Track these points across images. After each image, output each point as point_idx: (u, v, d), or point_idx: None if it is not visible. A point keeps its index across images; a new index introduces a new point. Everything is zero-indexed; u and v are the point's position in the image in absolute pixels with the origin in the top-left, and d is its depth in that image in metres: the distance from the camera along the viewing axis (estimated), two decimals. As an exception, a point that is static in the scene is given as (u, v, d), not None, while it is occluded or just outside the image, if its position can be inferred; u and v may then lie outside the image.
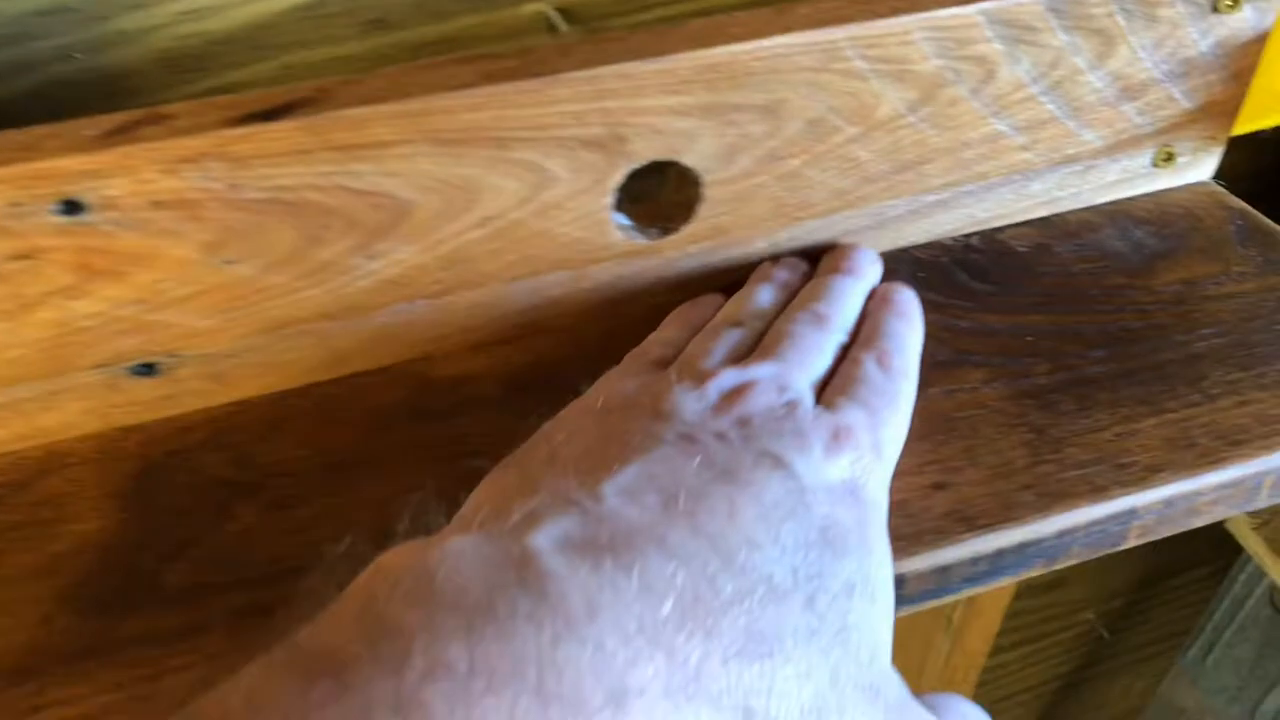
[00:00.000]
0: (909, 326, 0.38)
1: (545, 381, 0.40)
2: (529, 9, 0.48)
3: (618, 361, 0.38)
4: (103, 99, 0.45)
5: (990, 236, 0.46)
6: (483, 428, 0.38)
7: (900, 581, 0.32)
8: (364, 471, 0.36)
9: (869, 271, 0.41)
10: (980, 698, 1.10)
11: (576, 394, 0.35)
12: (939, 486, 0.35)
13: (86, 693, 0.29)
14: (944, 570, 0.33)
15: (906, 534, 0.33)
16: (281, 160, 0.34)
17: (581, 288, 0.41)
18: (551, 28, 0.49)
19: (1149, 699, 1.16)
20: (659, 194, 0.42)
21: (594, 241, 0.40)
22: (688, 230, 0.41)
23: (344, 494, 0.35)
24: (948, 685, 0.86)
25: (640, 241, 0.41)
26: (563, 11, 0.49)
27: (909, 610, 0.33)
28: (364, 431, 0.38)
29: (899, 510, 0.33)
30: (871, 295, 0.40)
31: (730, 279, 0.43)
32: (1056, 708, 1.24)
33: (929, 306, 0.41)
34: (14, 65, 0.43)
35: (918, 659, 0.82)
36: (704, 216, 0.41)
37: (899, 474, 0.34)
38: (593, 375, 0.37)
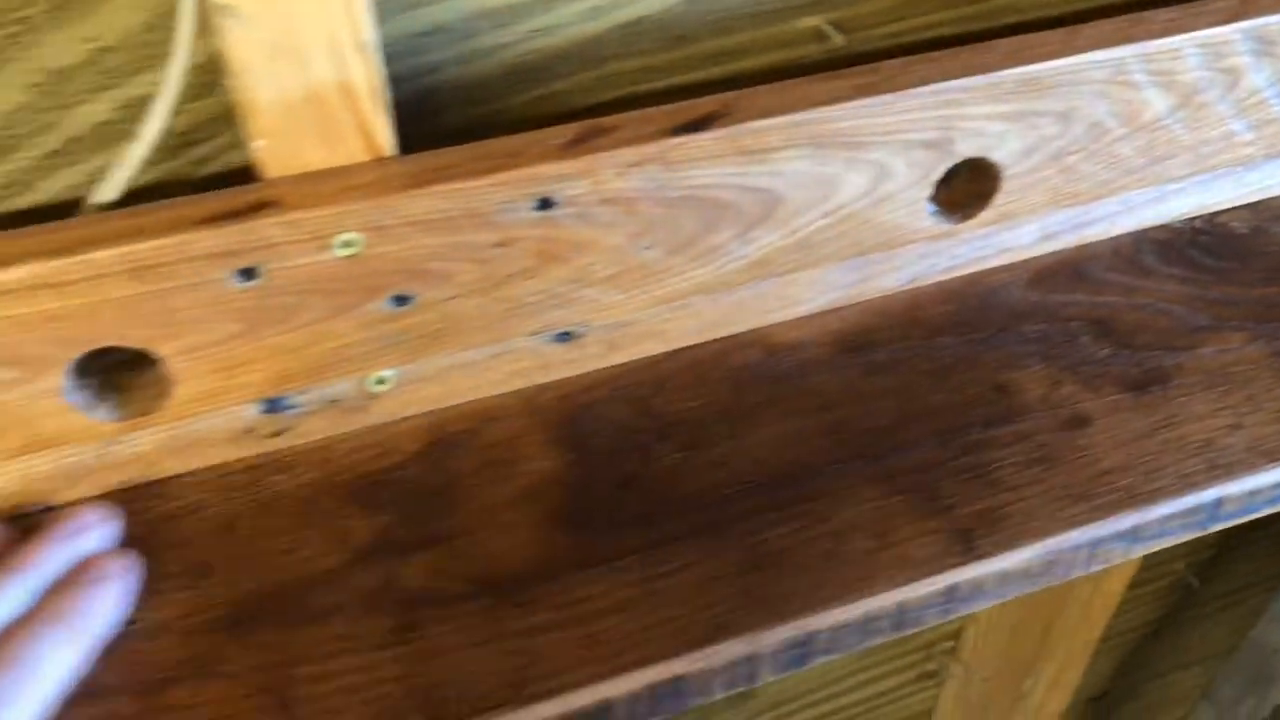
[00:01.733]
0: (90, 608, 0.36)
1: (867, 345, 0.47)
2: (804, 23, 0.56)
3: (921, 327, 0.46)
4: (458, 105, 0.52)
5: (1211, 219, 0.54)
6: (828, 382, 0.46)
7: (1218, 503, 0.40)
8: (746, 420, 0.44)
9: (80, 540, 0.38)
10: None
11: (898, 356, 0.43)
12: (1235, 427, 0.42)
13: (606, 590, 0.37)
14: (1253, 494, 0.41)
15: (1221, 464, 0.41)
16: (701, 163, 0.41)
17: (890, 266, 0.49)
18: (823, 37, 0.56)
19: (1239, 640, 1.24)
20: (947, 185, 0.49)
21: (909, 225, 0.47)
22: (982, 215, 0.49)
23: (741, 437, 0.43)
24: (1084, 622, 0.94)
25: (945, 226, 0.48)
26: (833, 24, 0.56)
27: (1219, 526, 0.41)
28: (732, 386, 0.46)
29: (1209, 448, 0.41)
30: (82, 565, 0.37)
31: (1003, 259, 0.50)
32: (1139, 652, 1.33)
33: (1174, 280, 0.49)
34: (392, 77, 0.51)
35: (1060, 594, 0.90)
36: (996, 204, 0.48)
37: (1199, 417, 0.42)
38: (903, 339, 0.45)
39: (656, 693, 0.35)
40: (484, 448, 0.43)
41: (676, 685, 0.35)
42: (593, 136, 0.40)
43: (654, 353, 0.47)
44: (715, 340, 0.48)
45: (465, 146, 0.40)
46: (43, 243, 0.35)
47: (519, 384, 0.45)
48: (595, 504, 0.40)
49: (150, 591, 0.38)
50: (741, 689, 0.36)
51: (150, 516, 0.40)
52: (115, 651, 0.36)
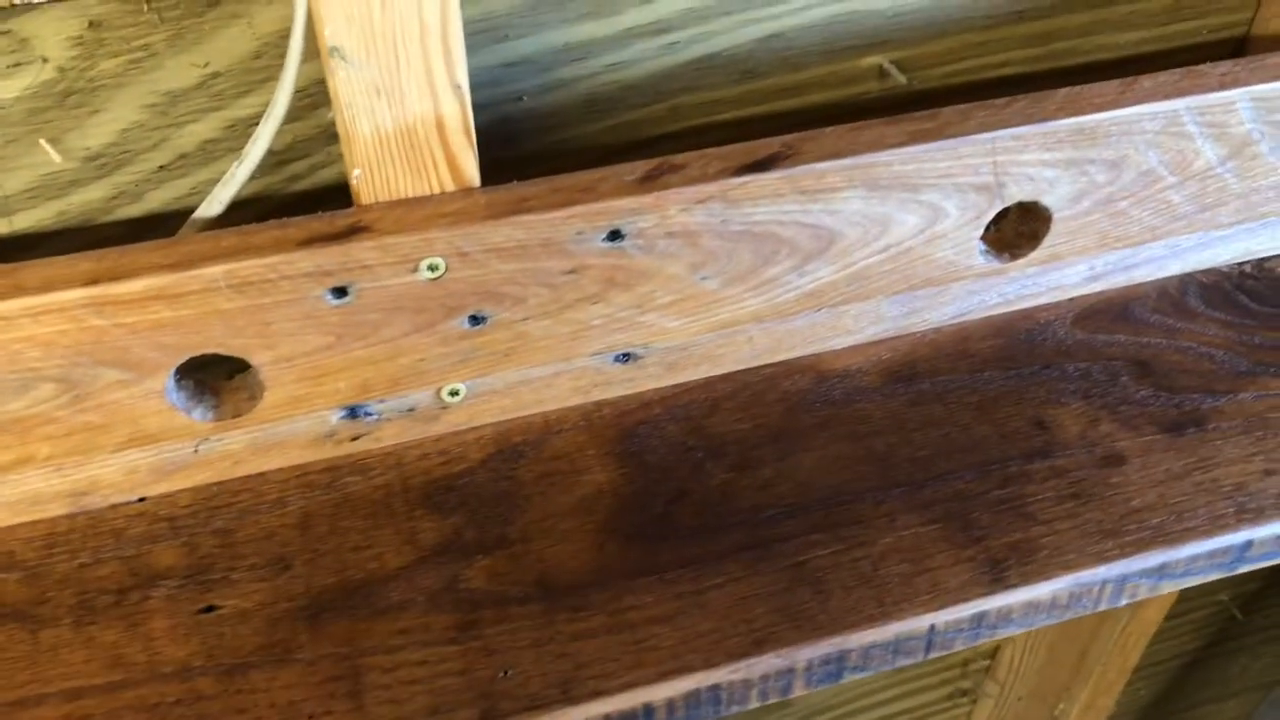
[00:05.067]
0: None
1: (914, 376, 0.49)
2: (867, 61, 0.58)
3: (967, 360, 0.48)
4: (535, 132, 0.55)
5: (1260, 265, 0.55)
6: (875, 410, 0.48)
7: (1247, 545, 0.42)
8: (795, 443, 0.46)
9: None
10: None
11: (944, 387, 0.45)
12: (1269, 472, 0.44)
13: (654, 600, 0.40)
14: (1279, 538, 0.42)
15: (1252, 509, 0.42)
16: (761, 201, 0.44)
17: (939, 301, 0.51)
18: (884, 75, 0.58)
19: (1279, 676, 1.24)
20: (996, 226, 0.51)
21: (960, 264, 0.49)
22: (1031, 255, 0.50)
23: (788, 460, 0.45)
24: (1119, 649, 0.95)
25: (994, 264, 0.50)
26: (896, 63, 0.58)
27: (1248, 568, 0.43)
28: (782, 410, 0.48)
29: (1241, 491, 0.43)
30: None
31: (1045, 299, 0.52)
32: (1176, 682, 1.32)
33: (1218, 324, 0.51)
34: (475, 104, 0.54)
35: (1096, 620, 0.91)
36: (1045, 245, 0.50)
37: (1233, 461, 0.44)
38: (949, 371, 0.47)
39: (696, 700, 0.38)
40: (546, 459, 0.45)
41: (715, 693, 0.38)
42: (662, 173, 0.43)
43: (709, 375, 0.49)
44: (768, 365, 0.50)
45: (543, 180, 0.42)
46: (160, 258, 0.38)
47: (579, 400, 0.48)
48: (648, 517, 0.43)
49: (233, 581, 0.41)
50: (776, 700, 0.39)
51: (236, 511, 0.43)
52: (199, 635, 0.39)
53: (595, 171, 0.43)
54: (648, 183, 0.42)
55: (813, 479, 0.45)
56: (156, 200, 0.48)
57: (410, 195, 0.41)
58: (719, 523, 0.43)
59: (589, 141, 0.53)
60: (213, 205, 0.44)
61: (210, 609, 0.40)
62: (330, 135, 0.47)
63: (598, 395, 0.48)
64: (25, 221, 0.46)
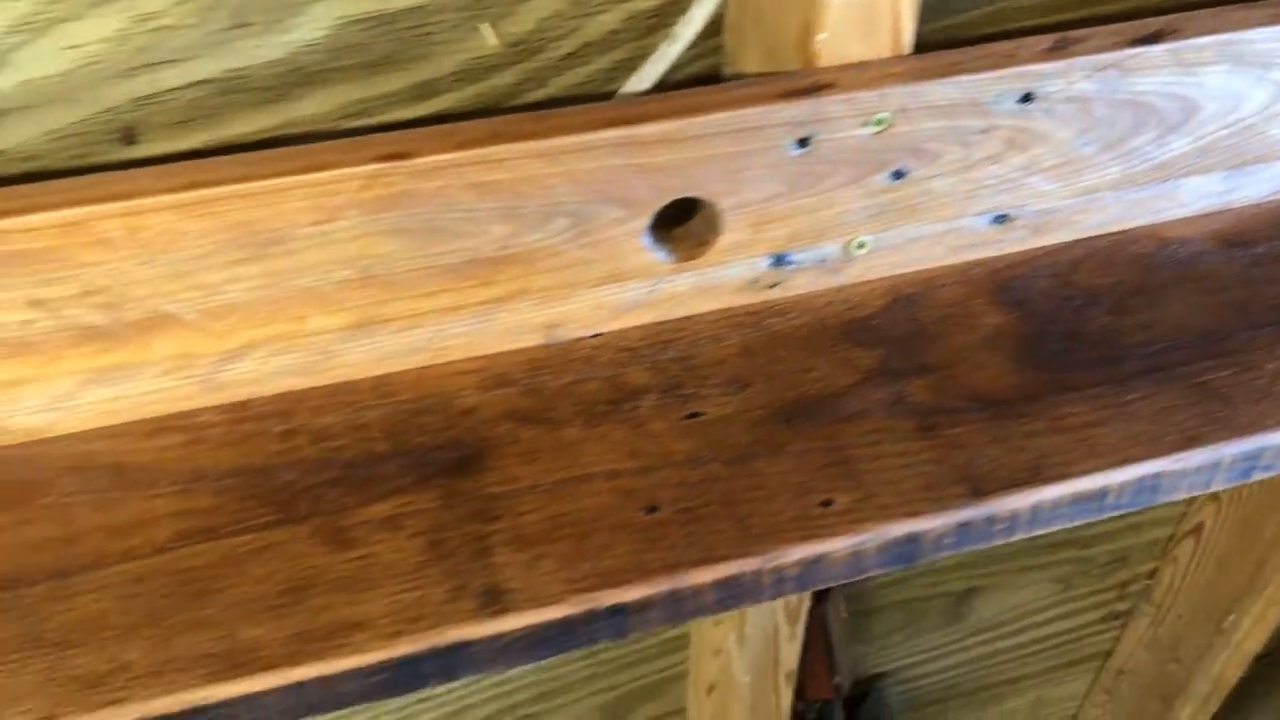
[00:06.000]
0: None
1: (1247, 242, 0.55)
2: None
3: None
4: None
5: None
6: (1221, 269, 0.53)
7: None
8: (1157, 295, 0.52)
9: None
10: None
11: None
12: None
13: (1086, 410, 0.46)
14: None
15: None
16: (1146, 72, 0.49)
17: (1262, 177, 0.56)
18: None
19: None
20: None
21: (1289, 141, 0.55)
22: None
23: (1157, 308, 0.51)
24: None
25: (1317, 143, 0.56)
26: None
27: None
28: (1138, 269, 0.53)
29: None
30: None
31: None
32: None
33: None
34: None
35: (1273, 529, 0.97)
36: None
37: None
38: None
39: (1140, 486, 0.44)
40: (939, 306, 0.51)
41: (1155, 481, 0.44)
42: (1069, 44, 0.49)
43: (1064, 240, 0.55)
44: (1113, 233, 0.56)
45: (969, 48, 0.48)
46: (664, 107, 0.45)
47: (954, 259, 0.53)
48: (1049, 351, 0.49)
49: (704, 396, 0.47)
50: (1197, 493, 0.45)
51: (683, 344, 0.49)
52: (694, 435, 0.45)
53: (1009, 42, 0.49)
54: (1057, 51, 0.48)
55: (1185, 322, 0.50)
56: (556, 87, 0.53)
57: (859, 59, 0.47)
58: (1115, 355, 0.49)
59: (978, 28, 0.57)
60: (642, 81, 0.50)
61: (695, 415, 0.46)
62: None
63: (970, 255, 0.54)
64: (444, 103, 0.52)
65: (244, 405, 0.46)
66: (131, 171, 0.42)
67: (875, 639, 1.13)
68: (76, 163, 0.47)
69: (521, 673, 0.98)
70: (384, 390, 0.47)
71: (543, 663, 0.98)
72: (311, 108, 0.52)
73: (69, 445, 0.45)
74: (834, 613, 0.95)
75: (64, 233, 0.40)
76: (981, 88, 0.47)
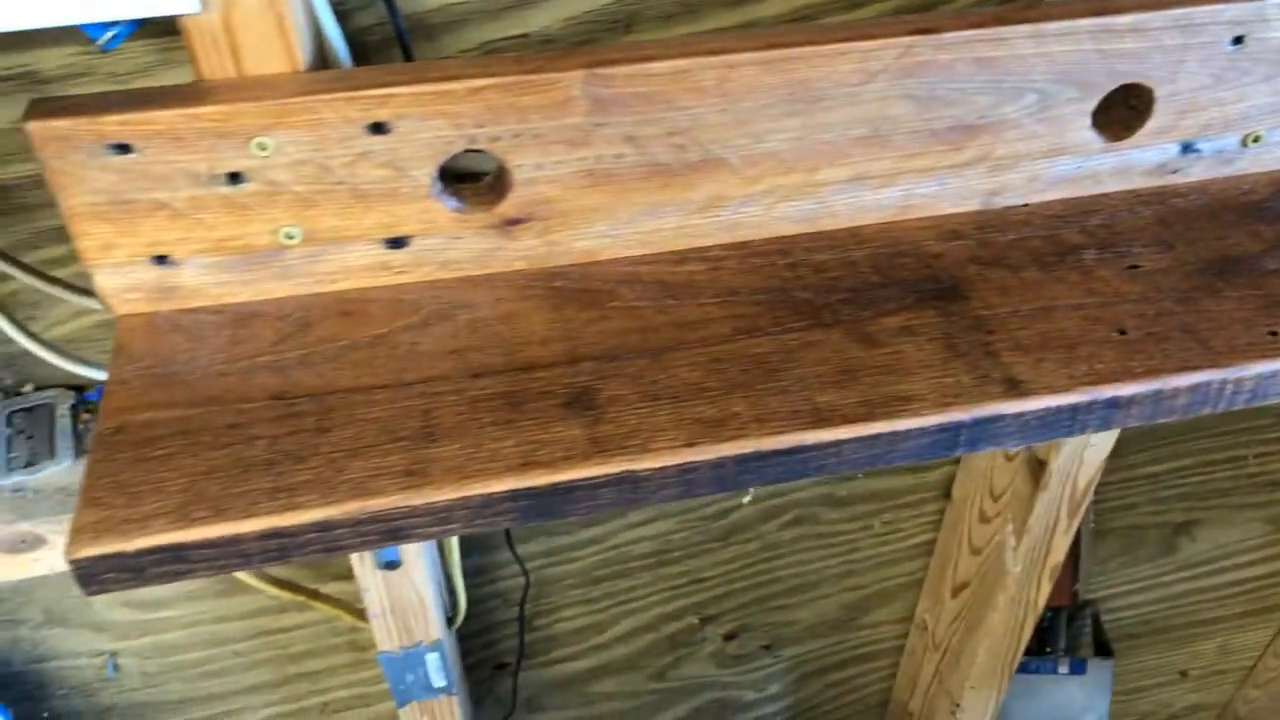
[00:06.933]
0: None
1: None
2: None
3: None
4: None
5: None
6: None
7: None
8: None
9: None
10: None
11: None
12: None
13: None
14: None
15: None
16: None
17: None
18: None
19: None
20: None
21: None
22: None
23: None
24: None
25: None
26: None
27: None
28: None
29: None
30: None
31: None
32: None
33: None
34: None
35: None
36: None
37: None
38: None
39: None
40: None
41: None
42: None
43: None
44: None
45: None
46: (1138, 0, 0.53)
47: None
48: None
49: (1135, 253, 0.55)
50: None
51: (1101, 216, 0.58)
52: (1138, 283, 0.53)
53: None
54: None
55: None
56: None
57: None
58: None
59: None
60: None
61: (1134, 267, 0.54)
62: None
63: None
64: (885, 7, 0.62)
65: (746, 245, 0.56)
66: (718, 34, 0.52)
67: (1094, 564, 1.20)
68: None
69: (781, 561, 1.07)
70: (859, 238, 0.56)
71: (796, 557, 1.08)
72: (772, 9, 0.62)
73: (615, 266, 0.55)
74: (1085, 522, 1.02)
75: (673, 79, 0.49)
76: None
